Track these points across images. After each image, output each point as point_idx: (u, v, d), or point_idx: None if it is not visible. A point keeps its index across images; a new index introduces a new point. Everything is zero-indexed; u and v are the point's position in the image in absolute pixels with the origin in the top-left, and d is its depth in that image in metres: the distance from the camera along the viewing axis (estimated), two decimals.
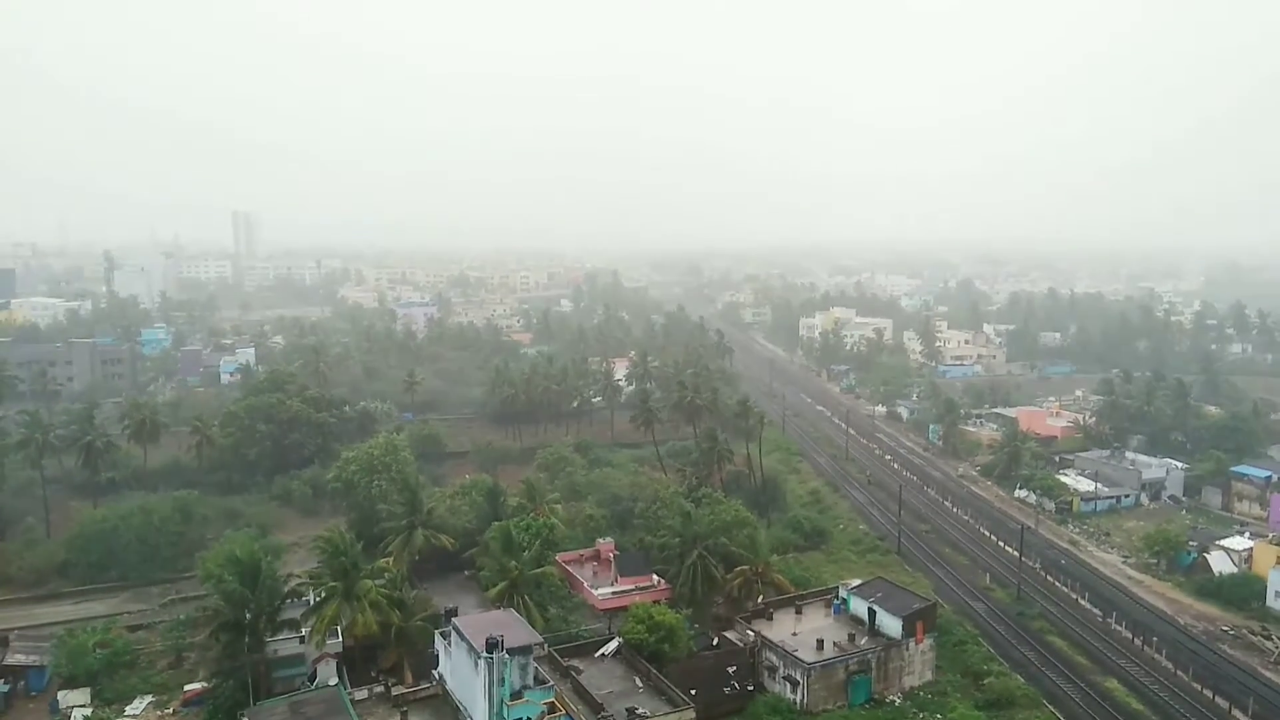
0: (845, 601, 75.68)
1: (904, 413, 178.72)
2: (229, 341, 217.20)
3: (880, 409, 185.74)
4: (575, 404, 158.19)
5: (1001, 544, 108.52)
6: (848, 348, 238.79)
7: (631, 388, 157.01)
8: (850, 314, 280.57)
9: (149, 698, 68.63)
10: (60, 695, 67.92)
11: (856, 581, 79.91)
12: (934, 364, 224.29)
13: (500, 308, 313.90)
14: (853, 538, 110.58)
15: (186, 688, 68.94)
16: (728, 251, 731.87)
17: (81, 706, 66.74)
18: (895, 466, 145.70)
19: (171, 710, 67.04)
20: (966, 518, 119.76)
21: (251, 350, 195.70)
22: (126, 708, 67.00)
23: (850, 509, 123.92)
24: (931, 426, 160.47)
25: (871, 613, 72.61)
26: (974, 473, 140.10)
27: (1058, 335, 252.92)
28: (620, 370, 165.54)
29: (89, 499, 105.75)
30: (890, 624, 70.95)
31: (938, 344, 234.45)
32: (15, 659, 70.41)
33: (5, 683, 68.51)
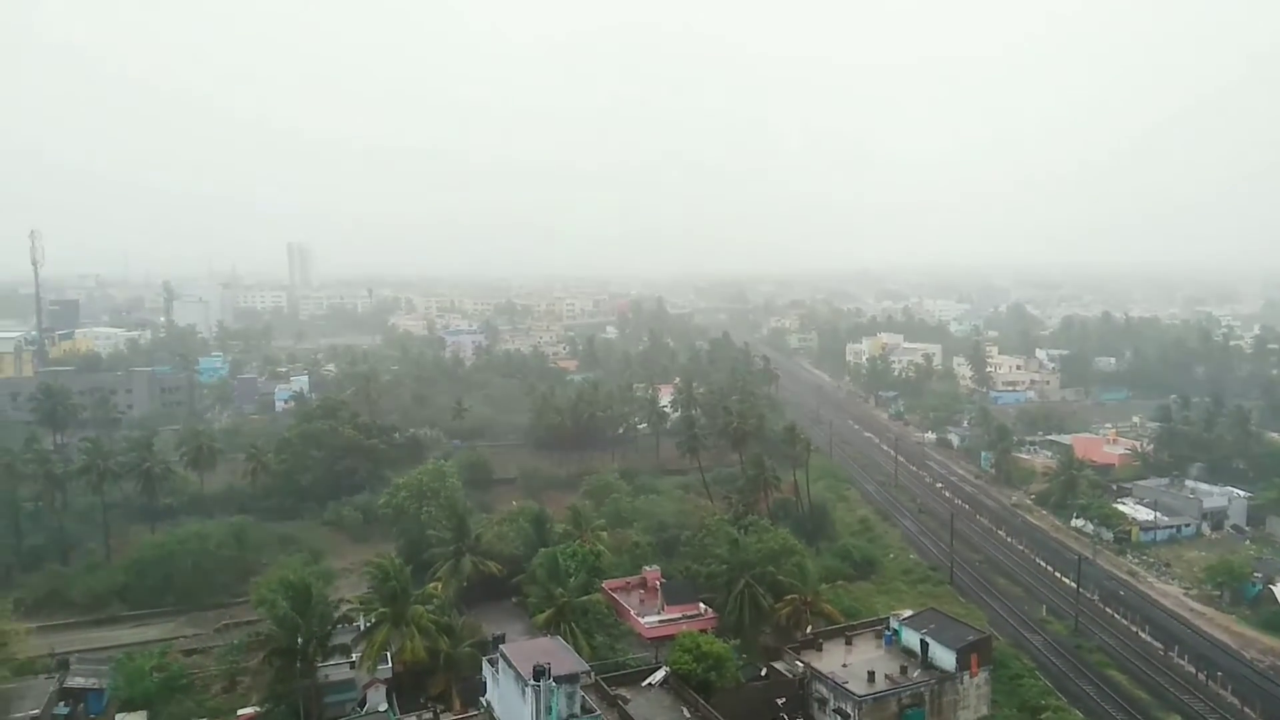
0: (897, 633, 74.27)
1: (955, 439, 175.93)
2: (283, 370, 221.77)
3: (930, 436, 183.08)
4: (621, 430, 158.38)
5: (1058, 575, 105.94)
6: (896, 373, 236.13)
7: (677, 414, 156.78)
8: (898, 339, 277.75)
9: None
10: (118, 718, 69.18)
11: (908, 612, 78.43)
12: (985, 390, 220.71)
13: (546, 335, 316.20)
14: (903, 567, 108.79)
15: (240, 712, 69.75)
16: (772, 277, 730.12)
17: None
18: (947, 494, 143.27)
19: None
20: (1021, 547, 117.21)
21: (305, 378, 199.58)
22: None
23: (901, 538, 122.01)
24: (984, 454, 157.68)
25: (924, 645, 71.14)
26: (1028, 501, 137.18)
27: (1113, 360, 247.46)
28: (665, 397, 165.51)
29: (147, 524, 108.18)
30: (944, 656, 69.41)
31: (989, 369, 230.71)
32: (76, 682, 71.90)
33: (66, 705, 69.88)
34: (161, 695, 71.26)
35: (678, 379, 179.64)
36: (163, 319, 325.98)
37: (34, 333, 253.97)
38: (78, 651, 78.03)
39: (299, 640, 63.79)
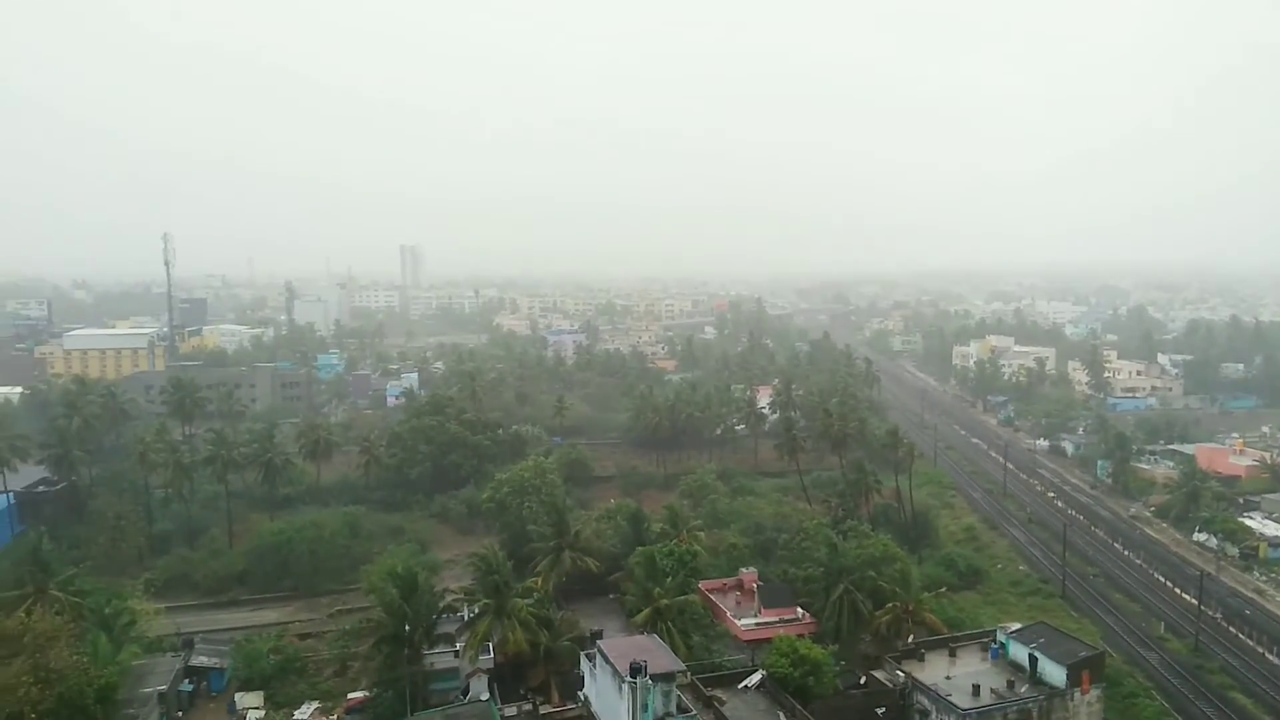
0: (1004, 646, 72.00)
1: (1069, 447, 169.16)
2: (395, 367, 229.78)
3: (1042, 443, 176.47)
4: (718, 431, 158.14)
5: (1178, 591, 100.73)
6: (1006, 378, 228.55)
7: (775, 416, 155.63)
8: (1009, 342, 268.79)
9: (315, 704, 72.76)
10: (237, 697, 72.98)
11: (1016, 625, 75.95)
12: (1102, 396, 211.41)
13: (645, 335, 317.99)
14: (1012, 578, 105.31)
15: (349, 696, 72.79)
16: (876, 278, 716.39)
17: (256, 708, 71.42)
18: (1059, 504, 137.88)
19: (335, 717, 70.84)
20: (1139, 561, 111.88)
21: (415, 375, 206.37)
22: (295, 712, 71.16)
23: (1009, 548, 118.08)
24: (1100, 463, 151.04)
25: (1033, 659, 68.74)
26: (1147, 513, 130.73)
27: (1241, 366, 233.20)
28: (764, 398, 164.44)
29: (267, 512, 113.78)
30: (1053, 672, 66.93)
31: (1106, 375, 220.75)
32: (199, 660, 76.20)
33: (190, 682, 74.12)
34: (277, 676, 74.98)
35: (777, 380, 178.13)
36: (284, 317, 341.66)
37: (166, 329, 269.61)
38: (201, 632, 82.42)
39: (406, 628, 66.14)
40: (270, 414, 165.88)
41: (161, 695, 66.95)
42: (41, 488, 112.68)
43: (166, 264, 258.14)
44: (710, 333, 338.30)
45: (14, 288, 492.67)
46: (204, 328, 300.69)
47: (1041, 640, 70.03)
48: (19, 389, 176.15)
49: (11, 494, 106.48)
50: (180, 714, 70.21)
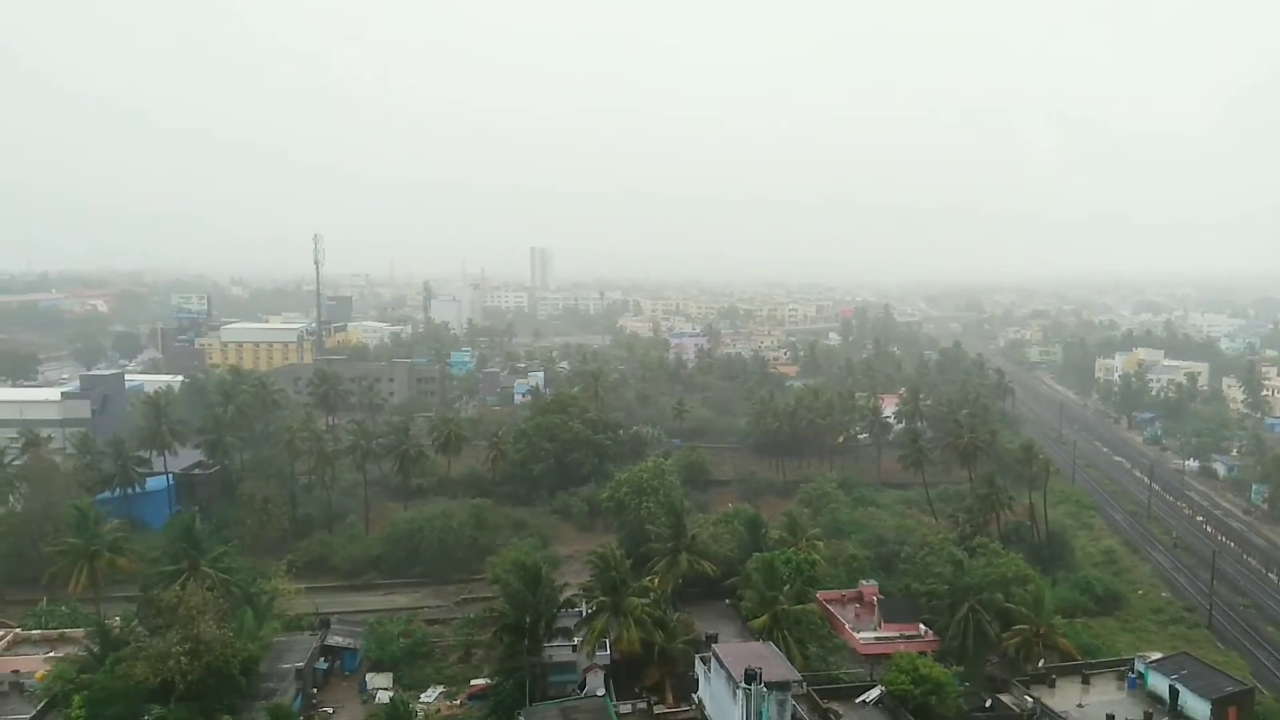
0: (1142, 676, 68.24)
1: (1221, 469, 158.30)
2: (522, 365, 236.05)
3: (1191, 463, 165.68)
4: (840, 439, 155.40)
5: None
6: (1153, 393, 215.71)
7: (900, 425, 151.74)
8: (1157, 355, 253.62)
9: (440, 688, 75.72)
10: (368, 677, 76.46)
11: (1157, 655, 71.82)
12: (1259, 415, 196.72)
13: (767, 340, 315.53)
14: (1153, 606, 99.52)
15: (472, 682, 75.36)
16: (1011, 286, 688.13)
17: (385, 689, 74.61)
18: (1208, 529, 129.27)
19: (459, 702, 73.51)
20: None
21: (541, 374, 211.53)
22: (422, 695, 74.22)
23: (1151, 573, 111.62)
24: (1255, 486, 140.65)
25: (1174, 691, 64.89)
26: None
27: None
28: (889, 407, 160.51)
29: (400, 501, 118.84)
30: (1197, 706, 62.98)
31: (1265, 393, 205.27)
32: (335, 640, 79.87)
33: (325, 661, 77.98)
34: (406, 659, 78.26)
35: (903, 389, 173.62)
36: (421, 316, 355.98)
37: (314, 325, 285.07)
38: (337, 613, 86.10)
39: (528, 619, 67.98)
40: (406, 407, 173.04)
41: (299, 671, 70.86)
42: (197, 470, 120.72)
43: (316, 263, 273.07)
44: (834, 339, 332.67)
45: (179, 284, 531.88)
46: (348, 324, 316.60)
47: (1184, 671, 66.03)
48: (180, 377, 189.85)
49: (171, 476, 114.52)
50: (315, 690, 74.06)
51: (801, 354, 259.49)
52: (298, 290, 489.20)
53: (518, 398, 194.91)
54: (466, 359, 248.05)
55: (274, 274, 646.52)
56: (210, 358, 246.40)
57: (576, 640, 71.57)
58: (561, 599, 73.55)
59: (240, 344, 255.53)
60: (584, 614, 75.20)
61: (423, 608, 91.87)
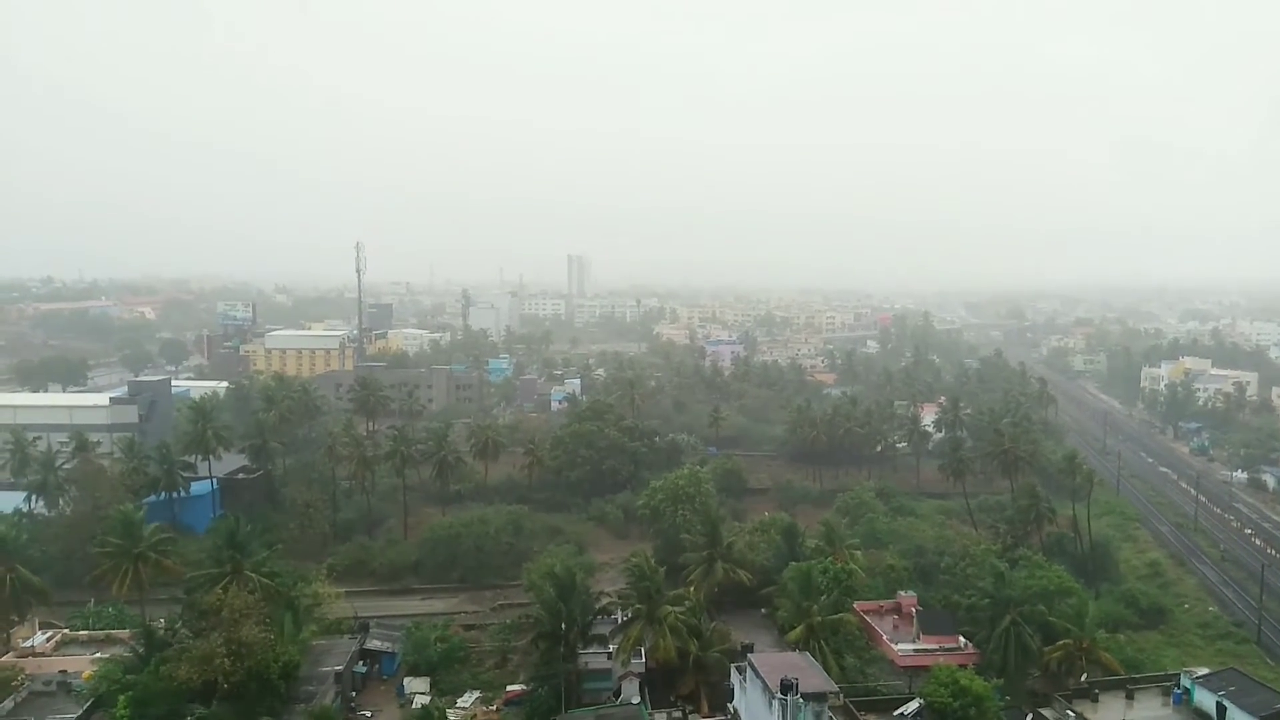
0: (1188, 691, 66.73)
1: (1270, 481, 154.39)
2: (559, 372, 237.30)
3: (1240, 475, 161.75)
4: (878, 448, 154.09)
5: None
6: (1200, 403, 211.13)
7: (940, 435, 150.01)
8: (1205, 364, 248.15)
9: (477, 693, 76.00)
10: (406, 681, 76.97)
11: (1204, 670, 70.18)
12: None
13: (805, 348, 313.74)
14: (1200, 620, 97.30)
15: (508, 688, 75.60)
16: (1055, 293, 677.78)
17: (422, 694, 75.04)
18: (1258, 543, 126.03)
19: (495, 708, 73.73)
20: None
21: (578, 381, 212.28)
22: (458, 700, 74.59)
23: (1197, 587, 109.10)
24: None
25: (1221, 708, 63.35)
26: None
27: None
28: (928, 416, 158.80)
29: (438, 507, 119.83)
30: None
31: None
32: (374, 644, 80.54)
33: (364, 664, 78.75)
34: (443, 664, 78.67)
35: (943, 398, 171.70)
36: (460, 323, 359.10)
37: (355, 332, 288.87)
38: (376, 617, 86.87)
39: (563, 626, 68.22)
40: (445, 414, 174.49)
41: (338, 674, 71.47)
42: (241, 475, 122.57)
43: (358, 271, 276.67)
44: (872, 347, 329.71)
45: (224, 291, 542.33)
46: (389, 331, 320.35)
47: (1232, 688, 64.44)
48: (225, 383, 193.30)
49: (215, 480, 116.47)
50: (354, 694, 74.74)
51: (839, 362, 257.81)
52: (340, 298, 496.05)
53: (555, 405, 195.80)
54: (504, 366, 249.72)
55: (317, 282, 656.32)
56: (254, 364, 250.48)
57: (612, 647, 71.74)
58: (597, 606, 73.72)
59: (284, 350, 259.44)
60: (619, 621, 75.32)
61: (460, 613, 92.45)
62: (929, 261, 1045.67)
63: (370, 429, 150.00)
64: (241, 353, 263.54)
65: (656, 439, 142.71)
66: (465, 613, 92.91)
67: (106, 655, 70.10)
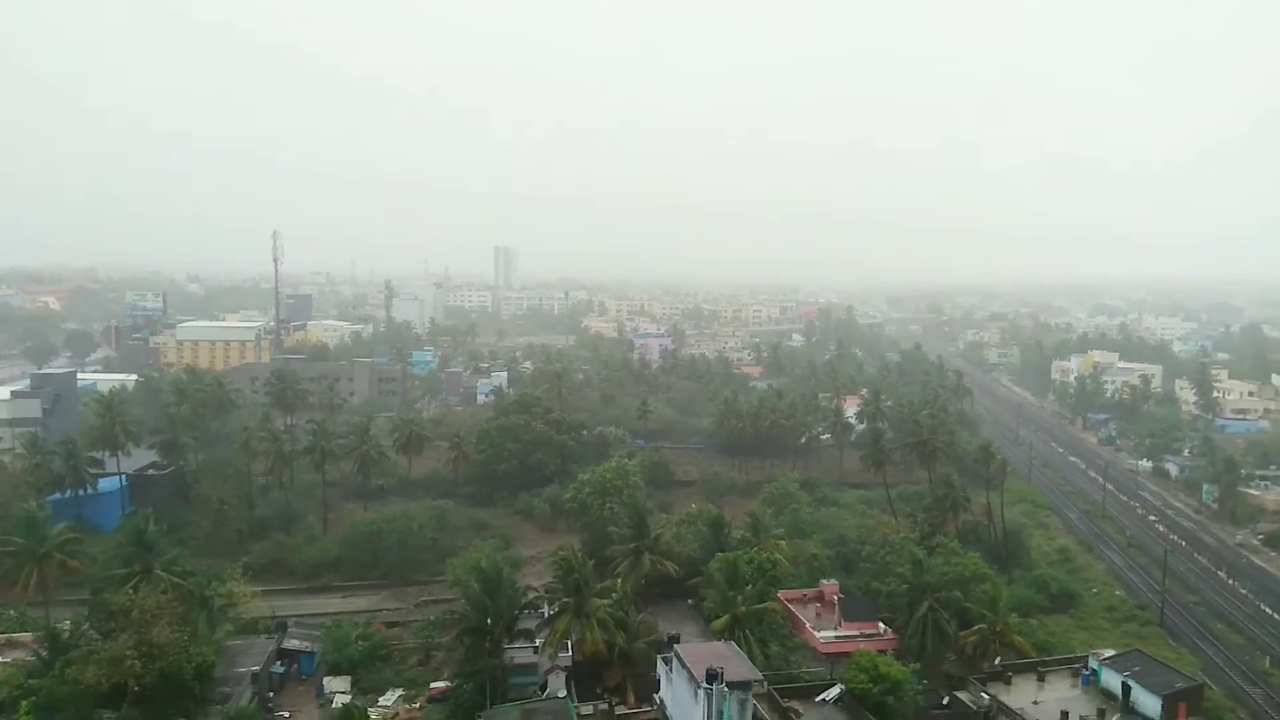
0: (1096, 673, 69.45)
1: (1173, 469, 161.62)
2: (485, 365, 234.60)
3: (1144, 464, 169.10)
4: (803, 440, 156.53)
5: None
6: (1108, 395, 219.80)
7: (862, 426, 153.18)
8: (1112, 358, 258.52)
9: (399, 691, 74.93)
10: (326, 681, 75.47)
11: (1110, 652, 73.18)
12: (1210, 417, 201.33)
13: (732, 341, 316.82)
14: (1107, 603, 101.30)
15: (432, 685, 74.68)
16: (972, 288, 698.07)
17: (343, 693, 73.74)
18: (1160, 528, 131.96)
19: (418, 705, 72.72)
20: (1244, 591, 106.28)
21: (504, 374, 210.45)
22: (380, 698, 73.43)
23: (1105, 572, 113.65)
24: (1206, 487, 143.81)
25: (1126, 688, 66.11)
26: (1255, 541, 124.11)
27: None
28: (851, 408, 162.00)
29: (360, 503, 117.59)
30: (1148, 702, 64.23)
31: (1216, 395, 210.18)
32: (292, 643, 78.80)
33: (282, 664, 76.88)
34: (364, 662, 77.35)
35: (865, 390, 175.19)
36: (383, 314, 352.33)
37: (272, 323, 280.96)
38: (294, 616, 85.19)
39: (488, 621, 67.57)
40: (367, 407, 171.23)
41: (255, 675, 69.69)
42: (151, 471, 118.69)
43: (275, 261, 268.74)
44: (798, 340, 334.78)
45: (134, 280, 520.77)
46: (308, 323, 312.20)
47: (1136, 668, 67.33)
48: (135, 376, 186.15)
49: (123, 477, 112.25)
50: (272, 694, 72.91)
51: (765, 355, 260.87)
52: (256, 288, 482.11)
53: (481, 398, 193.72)
54: (429, 358, 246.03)
55: (232, 271, 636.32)
56: (165, 356, 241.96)
57: (538, 642, 71.32)
58: (523, 601, 73.19)
59: (196, 342, 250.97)
60: (546, 615, 74.91)
61: (382, 610, 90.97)
62: (853, 257, 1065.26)
63: (288, 424, 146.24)
64: (151, 344, 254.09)
65: (584, 432, 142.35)
66: (388, 610, 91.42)
67: (8, 660, 67.21)
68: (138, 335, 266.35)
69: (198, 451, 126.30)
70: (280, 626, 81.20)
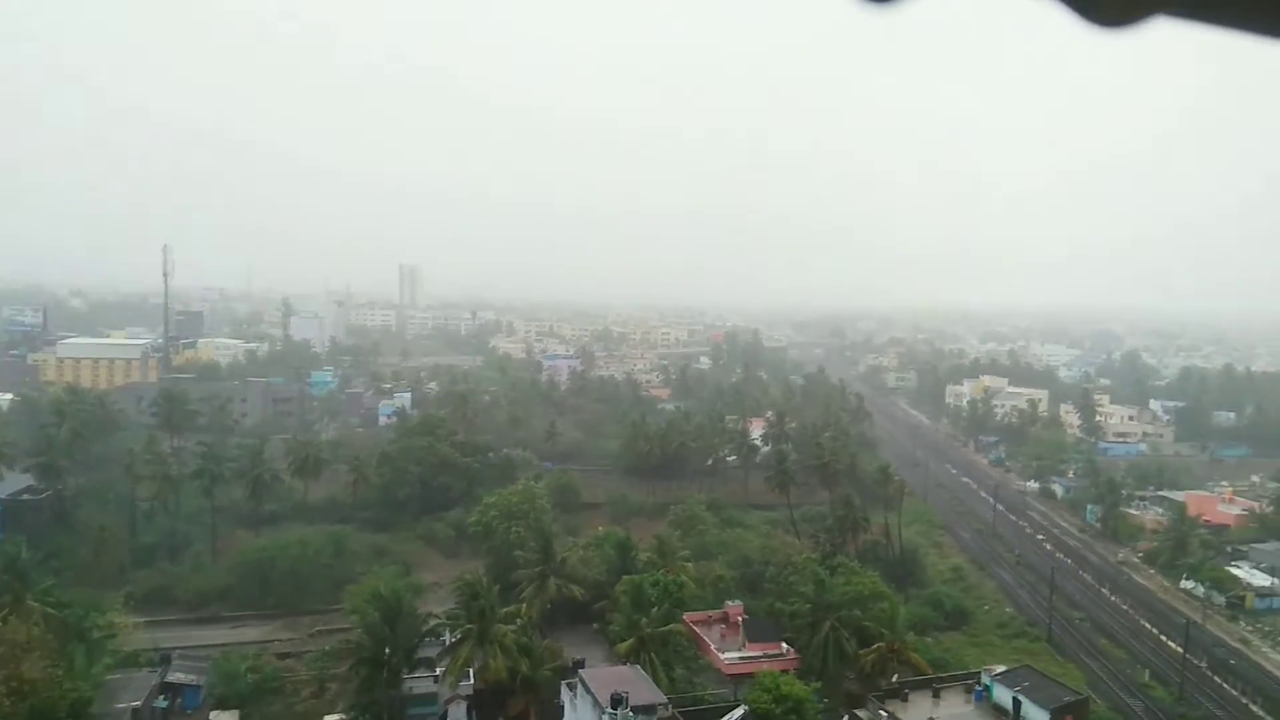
0: (988, 688, 71.60)
1: (1058, 490, 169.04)
2: (388, 386, 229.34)
3: (1032, 485, 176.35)
4: (710, 462, 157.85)
5: (1163, 638, 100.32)
6: (998, 418, 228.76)
7: (768, 448, 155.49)
8: (1002, 383, 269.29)
9: None
10: (212, 715, 71.91)
11: (1001, 668, 75.57)
12: (1094, 440, 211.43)
13: (640, 363, 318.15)
14: (998, 620, 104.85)
15: (326, 718, 71.83)
16: (873, 314, 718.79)
17: None
18: (1048, 547, 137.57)
19: None
20: (1125, 607, 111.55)
21: (408, 395, 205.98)
22: None
23: (996, 589, 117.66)
24: (1089, 507, 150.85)
25: (1016, 703, 68.33)
26: (1135, 559, 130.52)
27: (1233, 415, 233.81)
28: (757, 430, 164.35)
29: (252, 529, 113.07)
30: (1036, 716, 66.49)
31: (1099, 419, 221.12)
32: (176, 677, 75.14)
33: (165, 699, 73.22)
34: (254, 696, 74.05)
35: (770, 413, 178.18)
36: (280, 333, 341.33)
37: (160, 341, 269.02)
38: (179, 648, 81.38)
39: (386, 651, 65.61)
40: (261, 429, 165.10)
41: (136, 711, 66.00)
42: (26, 496, 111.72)
43: (165, 275, 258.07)
44: (705, 363, 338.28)
45: (11, 294, 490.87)
46: (199, 340, 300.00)
47: (1026, 684, 69.68)
48: (10, 395, 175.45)
49: None
50: None
51: (673, 377, 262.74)
52: (144, 304, 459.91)
53: (382, 420, 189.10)
54: (328, 379, 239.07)
55: (118, 286, 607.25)
56: (45, 375, 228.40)
57: (439, 671, 69.62)
58: (424, 628, 71.39)
59: (78, 360, 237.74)
60: (448, 643, 73.23)
61: (274, 641, 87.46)
62: (762, 279, 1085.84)
63: (175, 446, 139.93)
64: (30, 362, 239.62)
65: (490, 454, 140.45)
66: (280, 640, 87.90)
67: None
68: (14, 352, 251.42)
69: (78, 475, 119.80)
70: (164, 659, 77.53)
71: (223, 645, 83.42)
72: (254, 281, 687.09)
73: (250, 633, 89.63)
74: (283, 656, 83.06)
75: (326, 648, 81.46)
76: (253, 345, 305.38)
